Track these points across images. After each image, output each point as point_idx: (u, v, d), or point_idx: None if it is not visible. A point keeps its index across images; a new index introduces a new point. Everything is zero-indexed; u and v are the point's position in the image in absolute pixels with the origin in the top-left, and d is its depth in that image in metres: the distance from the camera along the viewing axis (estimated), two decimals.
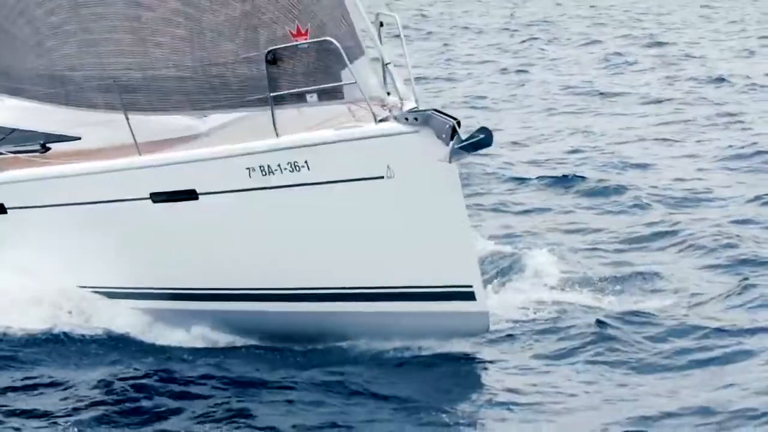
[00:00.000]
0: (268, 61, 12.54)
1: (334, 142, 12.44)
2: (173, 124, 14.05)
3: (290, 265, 12.91)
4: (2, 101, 15.33)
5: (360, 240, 12.51)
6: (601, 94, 30.30)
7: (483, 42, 43.90)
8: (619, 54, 37.90)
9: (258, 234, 12.90)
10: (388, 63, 12.45)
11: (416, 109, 12.10)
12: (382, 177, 12.26)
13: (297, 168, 12.59)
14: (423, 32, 45.96)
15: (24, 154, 15.04)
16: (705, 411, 10.85)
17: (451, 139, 11.69)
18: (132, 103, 13.58)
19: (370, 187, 12.32)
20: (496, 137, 11.52)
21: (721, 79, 31.86)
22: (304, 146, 12.55)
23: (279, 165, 12.65)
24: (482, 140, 11.73)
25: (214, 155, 13.09)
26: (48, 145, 15.20)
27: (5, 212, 14.51)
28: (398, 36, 12.94)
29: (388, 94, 12.77)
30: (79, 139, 14.91)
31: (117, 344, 13.34)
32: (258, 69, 12.65)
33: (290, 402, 11.63)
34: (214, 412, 11.41)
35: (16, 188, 14.40)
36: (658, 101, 29.12)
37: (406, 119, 11.98)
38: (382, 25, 13.23)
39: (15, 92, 14.95)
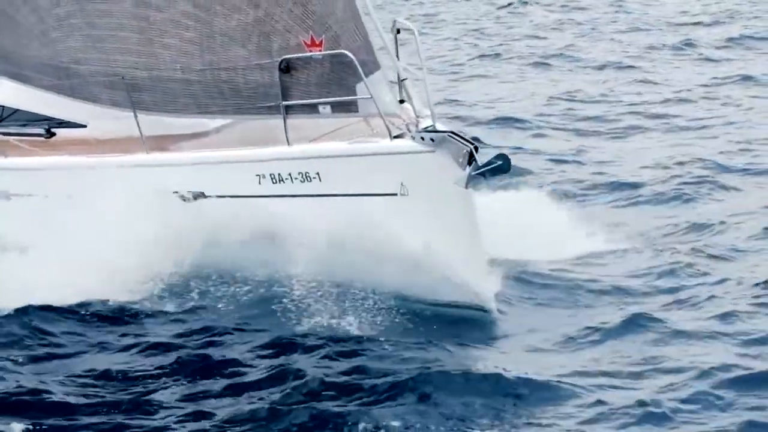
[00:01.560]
0: (281, 70, 12.26)
1: (347, 156, 12.23)
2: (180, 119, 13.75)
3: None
4: (1, 83, 15.01)
5: (368, 255, 12.37)
6: None
7: None
8: None
9: (263, 241, 12.73)
10: (405, 79, 12.18)
11: (433, 129, 11.84)
12: (396, 194, 12.09)
13: (308, 178, 12.41)
14: None
15: (29, 138, 14.84)
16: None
17: (468, 164, 11.48)
18: (137, 102, 13.33)
19: (383, 203, 12.15)
20: None
21: None
22: (317, 157, 12.36)
23: (290, 174, 12.47)
24: (500, 166, 11.54)
25: (224, 159, 12.89)
26: (53, 130, 14.95)
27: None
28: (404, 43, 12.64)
29: (402, 101, 12.53)
30: (85, 126, 14.65)
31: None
32: (270, 76, 12.37)
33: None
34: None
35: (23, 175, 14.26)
36: None
37: (422, 138, 11.75)
38: (399, 32, 12.90)
39: (17, 77, 14.67)
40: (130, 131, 13.81)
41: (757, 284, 12.90)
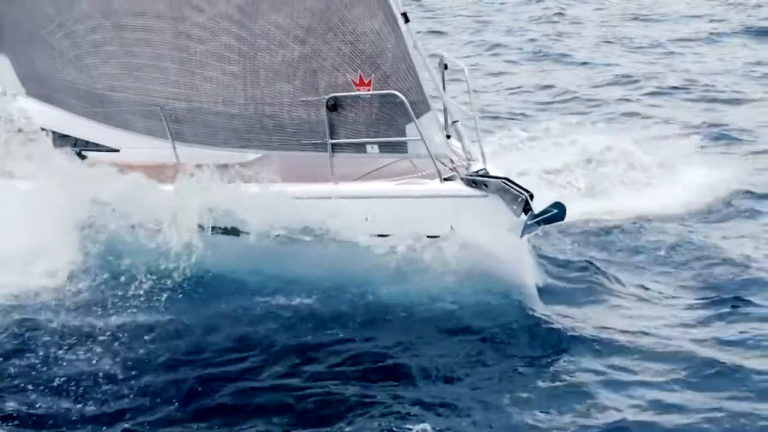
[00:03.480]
0: (328, 107, 12.00)
1: (396, 197, 12.00)
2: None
3: None
4: (30, 103, 14.69)
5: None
6: None
7: None
8: None
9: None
10: (456, 121, 11.92)
11: (486, 174, 11.62)
12: (444, 237, 11.88)
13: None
14: None
15: None
16: None
17: (524, 211, 11.27)
18: (176, 133, 13.07)
19: (431, 246, 11.94)
20: None
21: None
22: (364, 198, 12.12)
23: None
24: (555, 215, 11.33)
25: (266, 195, 12.62)
26: (84, 153, 14.66)
27: None
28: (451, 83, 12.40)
29: (448, 136, 12.28)
30: (118, 151, 14.37)
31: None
32: (316, 113, 12.11)
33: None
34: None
35: None
36: None
37: (474, 182, 11.52)
38: (446, 68, 12.62)
39: (49, 99, 14.40)
40: (163, 158, 13.57)
41: None
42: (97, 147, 14.54)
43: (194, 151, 13.22)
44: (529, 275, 11.86)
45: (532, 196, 11.25)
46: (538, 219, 11.27)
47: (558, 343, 11.71)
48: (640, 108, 22.39)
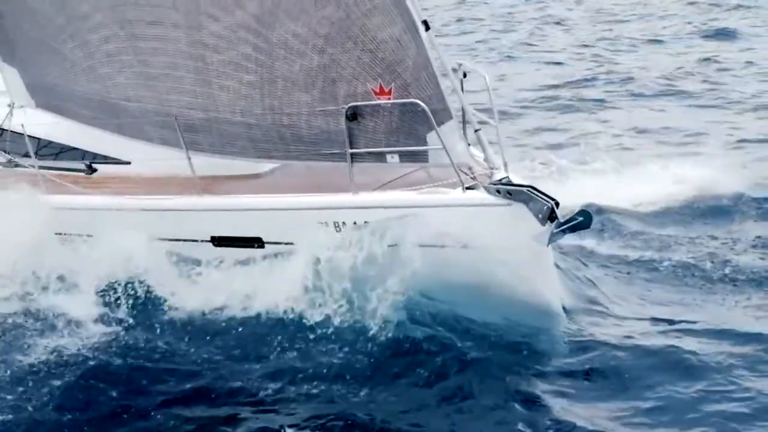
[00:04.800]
0: (347, 117, 11.85)
1: (416, 207, 11.86)
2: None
3: None
4: (38, 115, 14.54)
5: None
6: None
7: None
8: None
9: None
10: (478, 129, 11.79)
11: (509, 182, 11.49)
12: (467, 246, 11.75)
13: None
14: None
15: (69, 174, 14.41)
16: None
17: (549, 220, 11.14)
18: (192, 143, 12.91)
19: (454, 255, 11.81)
20: None
21: None
22: (384, 207, 11.99)
23: (355, 223, 12.10)
24: (581, 223, 11.22)
25: (284, 206, 12.49)
26: (94, 165, 14.52)
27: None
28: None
29: (469, 145, 12.17)
30: (129, 163, 14.22)
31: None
32: (335, 123, 11.97)
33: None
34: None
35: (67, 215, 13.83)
36: None
37: (498, 191, 11.39)
38: (465, 76, 12.49)
39: (59, 110, 14.26)
40: (176, 170, 13.43)
41: None
42: (106, 159, 14.42)
43: (210, 162, 13.07)
44: (554, 291, 11.72)
45: (557, 204, 11.13)
46: (564, 227, 11.15)
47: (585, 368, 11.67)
48: None
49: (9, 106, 14.70)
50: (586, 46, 32.82)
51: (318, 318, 12.23)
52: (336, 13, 11.66)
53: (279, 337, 12.29)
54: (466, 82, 12.49)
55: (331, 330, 12.13)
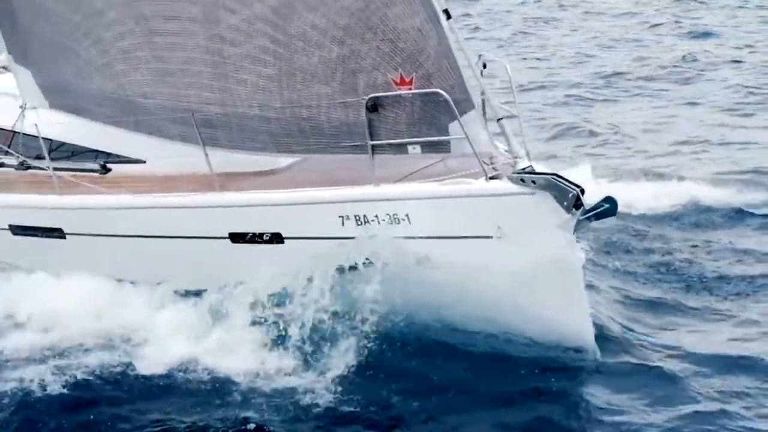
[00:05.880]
0: (367, 108, 11.75)
1: (440, 198, 11.75)
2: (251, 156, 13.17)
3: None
4: (52, 115, 14.42)
5: (463, 300, 11.93)
6: None
7: None
8: None
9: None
10: (501, 118, 11.69)
11: (533, 171, 11.40)
12: (491, 237, 11.64)
13: (397, 220, 11.93)
14: None
15: (83, 174, 14.29)
16: None
17: (575, 207, 11.04)
18: (210, 138, 12.78)
19: (478, 246, 11.69)
20: None
21: None
22: (407, 199, 11.88)
23: (377, 216, 11.99)
24: (607, 210, 11.14)
25: (304, 200, 12.37)
26: (108, 165, 14.40)
27: (64, 237, 13.88)
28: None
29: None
30: (144, 162, 14.10)
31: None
32: (356, 115, 11.86)
33: None
34: None
35: (80, 215, 13.71)
36: None
37: (522, 180, 11.29)
38: (485, 66, 12.40)
39: (74, 110, 14.12)
40: (192, 168, 13.32)
41: None
42: (119, 158, 14.31)
43: (229, 157, 12.95)
44: (579, 279, 11.61)
45: (583, 191, 11.04)
46: (590, 214, 11.06)
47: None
48: None
49: (21, 107, 14.54)
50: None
51: None
52: (355, 3, 11.58)
53: None
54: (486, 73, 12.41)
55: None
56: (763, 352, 12.03)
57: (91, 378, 12.16)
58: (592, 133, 22.43)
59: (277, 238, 12.56)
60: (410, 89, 11.54)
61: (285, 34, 12.00)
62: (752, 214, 16.68)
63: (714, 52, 30.89)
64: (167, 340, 12.63)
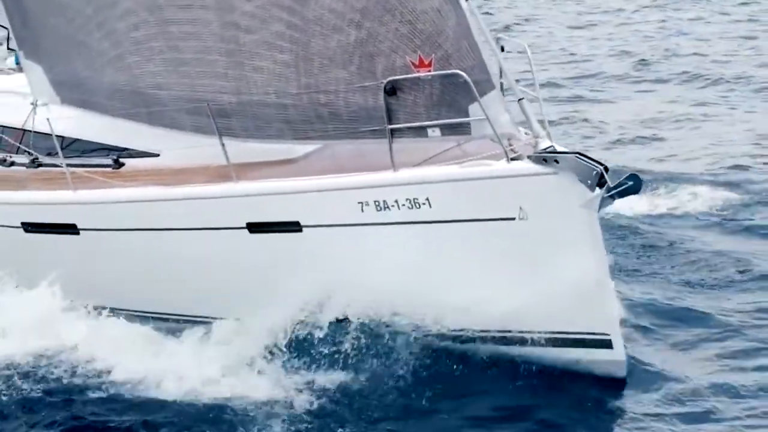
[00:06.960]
0: (386, 92, 11.64)
1: (461, 180, 11.63)
2: (267, 145, 13.04)
3: (409, 306, 12.18)
4: (62, 110, 14.29)
5: (487, 283, 11.78)
6: None
7: None
8: None
9: (369, 273, 12.10)
10: (521, 99, 11.59)
11: (556, 151, 11.28)
12: (514, 218, 11.52)
13: (417, 205, 11.80)
14: None
15: (96, 169, 14.16)
16: None
17: (599, 185, 10.93)
18: (225, 128, 12.64)
19: (501, 229, 11.57)
20: None
21: None
22: (427, 182, 11.76)
23: (396, 201, 11.86)
24: (631, 187, 11.02)
25: (322, 187, 12.23)
26: (121, 160, 14.27)
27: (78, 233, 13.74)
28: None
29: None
30: (158, 155, 13.98)
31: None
32: (374, 99, 11.74)
33: None
34: None
35: (95, 209, 13.57)
36: None
37: (545, 159, 11.18)
38: (503, 50, 12.29)
39: (86, 105, 14.01)
40: (207, 160, 13.19)
41: None
42: (132, 152, 14.19)
43: (244, 147, 12.81)
44: (603, 250, 11.49)
45: (606, 169, 10.93)
46: (613, 192, 10.96)
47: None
48: None
49: (32, 104, 14.43)
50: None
51: None
52: None
53: None
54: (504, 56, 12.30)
55: None
56: None
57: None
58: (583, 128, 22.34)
59: (295, 227, 12.41)
60: (429, 71, 11.43)
61: (302, 18, 11.90)
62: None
63: None
64: (123, 355, 12.64)
